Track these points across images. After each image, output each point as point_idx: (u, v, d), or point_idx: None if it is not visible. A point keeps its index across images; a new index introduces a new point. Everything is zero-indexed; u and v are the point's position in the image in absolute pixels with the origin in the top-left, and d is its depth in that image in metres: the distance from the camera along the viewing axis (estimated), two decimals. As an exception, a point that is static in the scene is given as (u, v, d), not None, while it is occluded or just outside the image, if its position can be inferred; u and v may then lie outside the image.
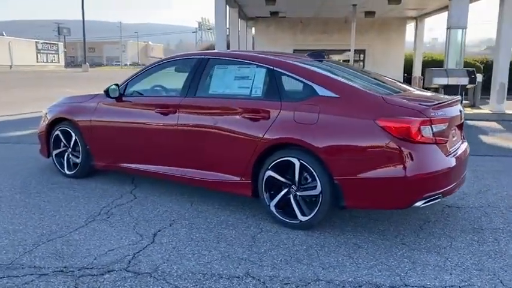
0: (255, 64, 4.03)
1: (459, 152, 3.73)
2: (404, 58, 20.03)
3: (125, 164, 4.75)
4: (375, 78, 4.34)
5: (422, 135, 3.27)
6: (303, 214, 3.62)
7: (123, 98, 4.70)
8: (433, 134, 3.34)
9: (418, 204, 3.33)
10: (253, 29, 20.87)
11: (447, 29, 11.92)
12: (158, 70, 4.72)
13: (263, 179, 3.79)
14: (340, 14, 17.63)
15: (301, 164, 3.57)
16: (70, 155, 5.19)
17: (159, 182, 4.96)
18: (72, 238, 3.50)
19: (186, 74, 4.45)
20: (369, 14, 17.09)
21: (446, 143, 3.50)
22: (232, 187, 4.02)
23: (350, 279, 2.89)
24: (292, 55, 4.50)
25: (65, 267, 3.02)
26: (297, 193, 3.66)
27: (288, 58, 4.12)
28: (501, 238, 3.61)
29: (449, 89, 11.66)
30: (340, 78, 3.77)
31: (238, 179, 3.96)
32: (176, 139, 4.27)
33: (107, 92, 4.66)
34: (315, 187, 3.54)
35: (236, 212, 4.13)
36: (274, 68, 3.89)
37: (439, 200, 3.44)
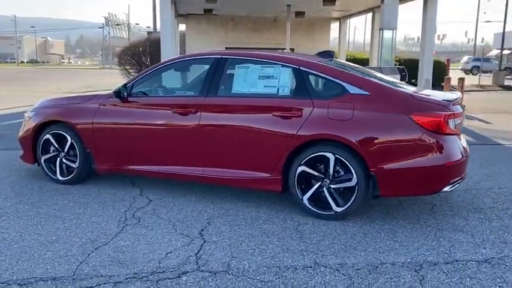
0: (279, 64, 4.17)
1: (464, 142, 4.22)
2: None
3: (133, 167, 4.61)
4: (379, 76, 4.71)
5: (449, 128, 3.67)
6: (338, 205, 3.86)
7: (130, 99, 4.55)
8: (455, 126, 3.77)
9: (446, 189, 3.74)
10: (183, 25, 20.60)
11: (379, 29, 12.90)
12: (167, 70, 4.64)
13: (295, 174, 3.96)
14: (274, 13, 18.12)
15: (336, 158, 3.80)
16: (63, 160, 4.89)
17: (161, 183, 4.89)
18: (119, 244, 3.39)
19: (198, 74, 4.45)
20: (299, 14, 17.78)
21: (460, 134, 3.96)
22: (262, 184, 4.13)
23: (409, 260, 3.19)
24: (305, 55, 4.69)
25: (135, 273, 2.95)
26: (331, 186, 3.89)
27: (305, 57, 4.31)
28: (501, 215, 4.15)
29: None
30: (367, 77, 4.06)
31: (268, 175, 4.08)
32: (198, 139, 4.26)
33: (118, 93, 4.47)
34: (350, 179, 3.79)
35: (262, 208, 4.25)
36: (301, 68, 4.07)
37: (459, 184, 3.88)
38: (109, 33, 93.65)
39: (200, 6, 16.49)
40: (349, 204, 3.83)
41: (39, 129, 4.94)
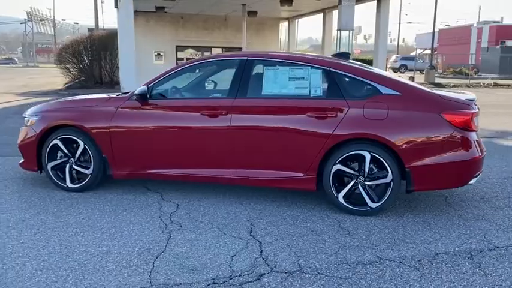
0: (309, 65, 4.26)
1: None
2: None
3: (156, 171, 4.48)
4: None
5: (474, 125, 3.98)
6: (373, 201, 4.04)
7: (152, 101, 4.42)
8: (477, 124, 4.09)
9: (471, 181, 4.05)
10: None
11: (337, 30, 13.39)
12: (190, 71, 4.56)
13: (330, 173, 4.08)
14: (225, 12, 18.10)
15: (371, 156, 3.97)
16: (74, 166, 4.63)
17: (176, 186, 4.81)
18: (177, 251, 3.31)
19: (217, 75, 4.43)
20: (252, 13, 17.94)
21: None
22: (296, 183, 4.20)
23: (457, 249, 3.44)
24: (325, 56, 4.80)
25: (213, 278, 2.92)
26: (366, 183, 4.05)
27: (332, 59, 4.45)
28: (507, 203, 4.56)
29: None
30: (395, 77, 4.26)
31: (302, 174, 4.16)
32: (228, 141, 4.24)
33: (141, 95, 4.32)
34: (385, 176, 3.98)
35: (294, 207, 4.32)
36: (331, 69, 4.19)
37: (479, 176, 4.22)
38: (32, 28, 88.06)
39: (153, 4, 16.09)
40: (385, 200, 4.02)
41: (45, 134, 4.63)
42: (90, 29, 24.10)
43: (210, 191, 4.70)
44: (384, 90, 4.06)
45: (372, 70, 4.31)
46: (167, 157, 4.44)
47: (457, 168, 3.97)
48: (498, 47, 43.21)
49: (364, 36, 72.22)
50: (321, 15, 19.37)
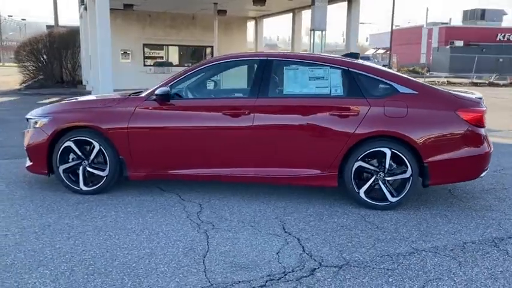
0: (328, 65, 4.38)
1: None
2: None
3: (176, 171, 4.46)
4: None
5: (484, 122, 4.25)
6: (393, 196, 4.22)
7: (172, 101, 4.39)
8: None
9: (482, 174, 4.32)
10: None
11: (310, 30, 13.64)
12: (208, 71, 4.56)
13: (352, 169, 4.23)
14: (194, 10, 17.95)
15: (392, 152, 4.15)
16: (88, 168, 4.51)
17: (190, 185, 4.81)
18: (221, 250, 3.34)
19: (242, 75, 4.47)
20: (222, 12, 17.87)
21: None
22: (318, 180, 4.32)
23: (481, 238, 3.67)
24: (341, 57, 4.92)
25: (268, 275, 2.97)
26: (386, 178, 4.23)
27: (349, 59, 4.59)
28: (507, 194, 4.89)
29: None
30: (410, 77, 4.46)
31: (324, 172, 4.28)
32: (252, 140, 4.29)
33: (162, 95, 4.27)
34: (405, 171, 4.17)
35: (314, 204, 4.43)
36: (350, 69, 4.33)
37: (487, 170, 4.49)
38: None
39: (121, 1, 15.71)
40: (404, 194, 4.21)
41: (56, 136, 4.48)
42: (49, 26, 23.19)
43: (227, 191, 4.72)
44: (401, 89, 4.25)
45: (387, 70, 4.49)
46: (188, 157, 4.42)
47: (470, 162, 4.22)
48: (448, 47, 45.39)
49: (343, 38, 73.49)
50: (284, 15, 19.65)
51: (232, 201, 4.45)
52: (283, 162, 4.32)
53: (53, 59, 21.05)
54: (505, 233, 3.79)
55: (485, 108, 4.27)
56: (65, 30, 21.17)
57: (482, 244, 3.55)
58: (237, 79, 4.76)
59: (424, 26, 55.66)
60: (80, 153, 4.49)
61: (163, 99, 4.31)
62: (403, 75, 4.48)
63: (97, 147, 4.44)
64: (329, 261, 3.20)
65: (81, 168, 4.52)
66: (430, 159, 4.14)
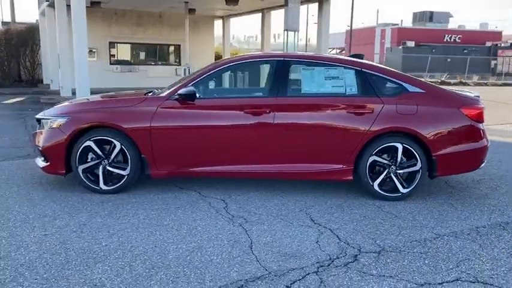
0: (342, 66, 4.65)
1: None
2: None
3: (199, 168, 4.58)
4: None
5: (483, 117, 4.67)
6: (404, 187, 4.55)
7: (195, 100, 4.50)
8: (483, 117, 4.79)
9: (481, 165, 4.74)
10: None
11: (284, 30, 13.95)
12: (227, 71, 4.70)
13: (367, 163, 4.52)
14: (161, 8, 17.80)
15: (403, 147, 4.48)
16: (108, 168, 4.54)
17: (208, 182, 4.95)
18: (264, 241, 3.52)
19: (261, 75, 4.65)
20: (191, 11, 17.86)
21: None
22: (335, 174, 4.58)
23: (489, 222, 4.05)
24: (353, 58, 5.18)
25: (317, 262, 3.18)
26: (397, 171, 4.55)
27: (360, 60, 4.88)
28: (497, 183, 5.36)
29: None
30: (416, 77, 4.80)
31: (341, 166, 4.55)
32: (271, 137, 4.48)
33: (187, 95, 4.37)
34: (415, 164, 4.51)
35: (331, 197, 4.68)
36: (363, 69, 4.62)
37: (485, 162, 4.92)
38: None
39: (89, -2, 15.35)
40: (414, 185, 4.55)
41: (76, 135, 4.48)
42: (5, 23, 22.16)
43: (245, 187, 4.89)
44: (410, 88, 4.58)
45: (396, 70, 4.82)
46: (211, 155, 4.55)
47: (472, 154, 4.63)
48: (400, 47, 47.34)
49: (274, 35, 74.40)
50: (253, 15, 19.91)
51: (252, 196, 4.62)
52: (304, 159, 4.55)
53: (10, 57, 20.19)
54: (508, 218, 4.20)
55: (483, 105, 4.69)
56: (23, 27, 20.34)
57: (493, 228, 3.93)
58: (252, 79, 4.93)
59: (376, 26, 57.66)
60: (100, 153, 4.51)
61: (188, 98, 4.41)
62: (410, 76, 4.82)
63: (118, 146, 4.48)
64: (366, 247, 3.45)
65: (100, 167, 4.54)
66: (438, 152, 4.50)
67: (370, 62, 4.89)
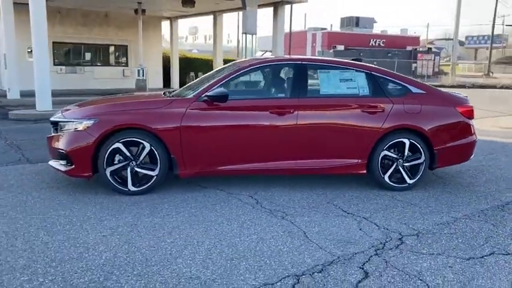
0: (353, 69, 5.07)
1: None
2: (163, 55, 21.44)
3: (225, 167, 4.76)
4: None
5: (473, 115, 5.32)
6: (410, 178, 5.07)
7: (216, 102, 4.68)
8: (469, 114, 5.45)
9: (471, 157, 5.39)
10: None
11: (243, 33, 14.27)
12: (249, 73, 4.92)
13: (379, 158, 4.98)
14: (117, 9, 17.34)
15: (410, 142, 4.99)
16: (136, 169, 4.59)
17: (229, 181, 5.15)
18: (315, 230, 3.81)
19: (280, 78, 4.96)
20: (142, 11, 17.55)
21: None
22: (352, 168, 4.98)
23: (490, 206, 4.65)
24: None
25: (372, 246, 3.54)
26: (404, 164, 5.06)
27: (368, 64, 5.33)
28: (482, 172, 6.07)
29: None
30: (416, 79, 5.34)
31: (357, 161, 4.96)
32: (295, 136, 4.79)
33: (218, 97, 4.54)
34: (419, 157, 5.04)
35: (348, 190, 5.07)
36: (372, 72, 5.08)
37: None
38: None
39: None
40: (418, 177, 5.08)
41: (104, 137, 4.48)
42: None
43: (264, 184, 5.14)
44: (413, 89, 5.11)
45: (399, 73, 5.32)
46: (237, 153, 4.75)
47: (465, 148, 5.26)
48: (331, 51, 49.51)
49: (205, 36, 74.82)
50: (202, 17, 19.99)
51: (275, 192, 4.88)
52: (324, 155, 4.90)
53: None
54: (500, 201, 4.84)
55: (472, 104, 5.34)
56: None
57: (494, 210, 4.53)
58: (273, 81, 5.19)
59: (307, 30, 59.80)
60: (128, 154, 4.53)
61: (219, 100, 4.58)
62: (411, 78, 5.36)
63: (148, 147, 4.53)
64: (405, 232, 3.87)
65: (129, 168, 4.56)
66: (438, 146, 5.06)
67: (377, 66, 5.36)
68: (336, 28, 60.38)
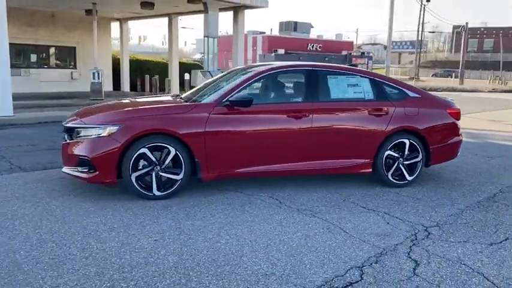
0: (358, 75, 5.44)
1: None
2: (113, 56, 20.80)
3: (245, 169, 4.90)
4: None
5: (460, 117, 5.89)
6: (409, 175, 5.52)
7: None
8: (455, 116, 6.02)
9: (457, 155, 5.96)
10: None
11: (204, 37, 14.34)
12: (266, 79, 5.12)
13: (383, 157, 5.38)
14: (66, 9, 16.62)
15: (410, 142, 5.45)
16: (161, 173, 4.61)
17: (242, 183, 5.31)
18: (347, 226, 4.09)
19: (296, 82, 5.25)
20: (89, 11, 16.98)
21: None
22: (360, 168, 5.33)
23: (482, 198, 5.19)
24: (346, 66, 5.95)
25: (407, 238, 3.88)
26: (404, 162, 5.50)
27: (369, 71, 5.71)
28: (464, 168, 6.69)
29: (212, 87, 14.20)
30: (412, 85, 5.80)
31: (364, 160, 5.33)
32: (311, 138, 5.06)
33: (242, 101, 4.68)
34: (417, 156, 5.51)
35: (358, 188, 5.42)
36: (375, 78, 5.47)
37: (458, 153, 6.15)
38: None
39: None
40: (416, 174, 5.55)
41: (130, 143, 4.46)
42: None
43: (277, 185, 5.34)
44: (410, 94, 5.58)
45: (397, 79, 5.77)
46: (255, 156, 4.92)
47: (453, 146, 5.81)
48: (273, 54, 50.45)
49: (139, 37, 73.64)
50: (153, 19, 19.72)
51: (291, 192, 5.11)
52: (335, 155, 5.21)
53: None
54: (489, 194, 5.41)
55: (459, 107, 5.92)
56: None
57: (488, 201, 5.08)
58: (288, 86, 5.44)
59: (246, 34, 60.47)
60: (153, 159, 4.55)
61: (243, 104, 4.73)
62: (408, 83, 5.82)
63: (173, 152, 4.58)
64: (426, 223, 4.27)
65: (154, 173, 4.58)
66: (433, 145, 5.56)
67: (377, 72, 5.76)
68: (275, 32, 61.66)
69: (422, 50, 73.97)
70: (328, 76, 5.34)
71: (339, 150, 5.24)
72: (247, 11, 15.39)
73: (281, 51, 51.20)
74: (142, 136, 4.50)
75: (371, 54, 67.81)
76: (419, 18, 52.98)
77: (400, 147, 5.46)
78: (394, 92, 5.58)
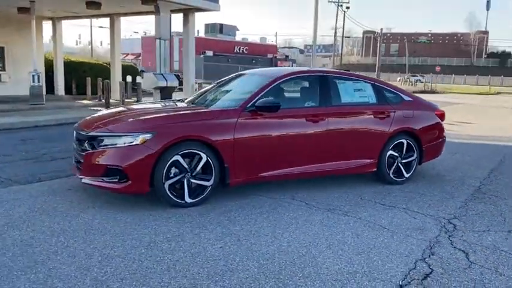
0: (361, 80, 5.78)
1: None
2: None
3: (268, 173, 5.00)
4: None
5: (445, 118, 6.47)
6: (407, 173, 5.98)
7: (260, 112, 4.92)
8: (439, 118, 6.59)
9: (442, 153, 6.54)
10: None
11: (156, 39, 14.02)
12: (284, 84, 5.25)
13: (386, 157, 5.77)
14: (3, 7, 15.29)
15: (407, 142, 5.90)
16: (192, 180, 4.57)
17: (261, 186, 5.39)
18: (383, 223, 4.37)
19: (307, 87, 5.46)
20: (24, 10, 15.79)
21: None
22: (367, 167, 5.66)
23: (478, 190, 5.79)
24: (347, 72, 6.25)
25: (440, 230, 4.26)
26: (402, 161, 5.94)
27: (370, 77, 6.06)
28: (452, 167, 7.31)
29: (165, 91, 13.95)
30: (404, 89, 6.26)
31: (369, 161, 5.67)
32: (326, 140, 5.29)
33: (269, 106, 4.77)
34: (412, 155, 5.98)
35: (364, 187, 5.72)
36: (375, 83, 5.85)
37: (440, 151, 6.72)
38: None
39: None
40: (412, 171, 6.02)
41: (164, 150, 4.37)
42: None
43: (291, 187, 5.49)
44: (405, 98, 6.03)
45: (393, 84, 6.19)
46: (278, 160, 5.04)
47: (440, 145, 6.38)
48: (201, 56, 50.20)
49: (77, 41, 71.33)
50: (89, 19, 18.81)
51: (310, 193, 5.28)
52: (347, 156, 5.49)
53: None
54: (474, 186, 6.02)
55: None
56: None
57: (480, 194, 5.65)
58: (302, 91, 5.61)
59: (173, 35, 59.49)
60: (186, 166, 4.49)
61: (270, 109, 4.82)
62: (402, 88, 6.28)
63: (204, 158, 4.55)
64: (446, 216, 4.67)
65: (185, 180, 4.52)
66: (426, 145, 6.06)
67: (377, 78, 6.13)
68: (201, 34, 61.34)
69: (336, 53, 78.13)
70: (337, 81, 5.61)
71: (351, 151, 5.52)
72: (196, 14, 15.29)
73: (209, 53, 51.25)
74: (175, 143, 4.42)
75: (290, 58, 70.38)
76: (336, 23, 55.93)
77: (399, 147, 5.87)
78: (392, 96, 6.00)
